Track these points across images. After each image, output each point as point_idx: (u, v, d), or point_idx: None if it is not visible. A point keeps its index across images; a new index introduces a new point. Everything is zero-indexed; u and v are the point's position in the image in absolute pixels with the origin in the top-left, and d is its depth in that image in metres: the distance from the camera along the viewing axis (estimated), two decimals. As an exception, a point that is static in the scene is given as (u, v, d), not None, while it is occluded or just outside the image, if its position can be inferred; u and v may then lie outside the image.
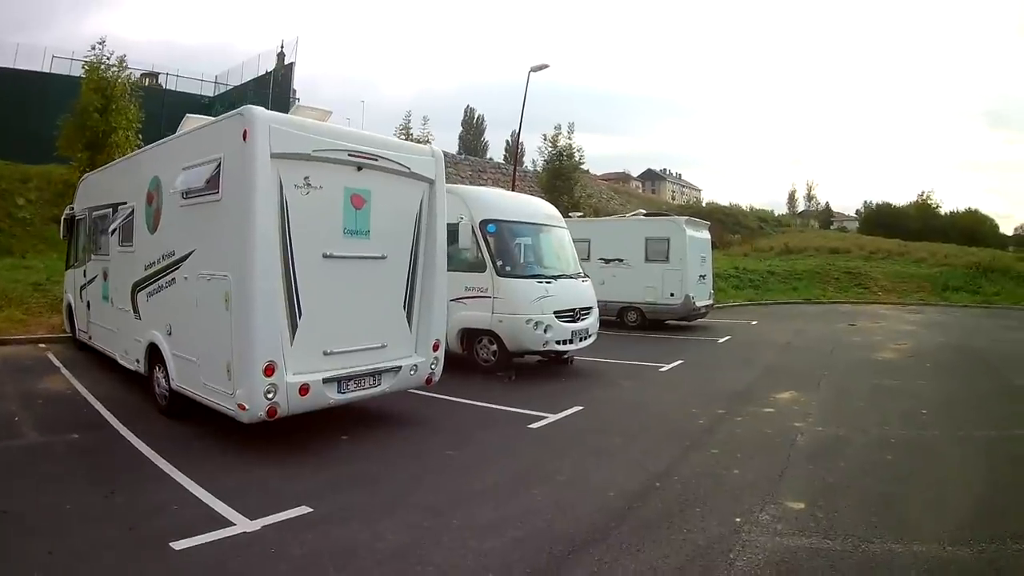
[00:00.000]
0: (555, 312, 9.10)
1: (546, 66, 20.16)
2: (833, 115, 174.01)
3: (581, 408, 7.30)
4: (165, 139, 7.09)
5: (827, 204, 73.64)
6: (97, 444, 5.66)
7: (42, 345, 9.74)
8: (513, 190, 14.71)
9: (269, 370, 5.15)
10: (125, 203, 7.58)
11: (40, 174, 15.88)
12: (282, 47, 35.56)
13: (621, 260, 15.68)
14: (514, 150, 28.51)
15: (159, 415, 6.43)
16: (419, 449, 5.74)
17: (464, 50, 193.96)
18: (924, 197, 53.20)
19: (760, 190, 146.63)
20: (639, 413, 7.32)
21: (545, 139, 31.03)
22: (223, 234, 5.46)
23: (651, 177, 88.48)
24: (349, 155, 5.79)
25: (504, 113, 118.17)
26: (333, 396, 5.66)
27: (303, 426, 5.87)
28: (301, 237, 5.43)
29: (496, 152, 62.88)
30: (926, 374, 9.96)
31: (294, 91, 41.53)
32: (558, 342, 9.17)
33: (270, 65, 35.62)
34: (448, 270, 9.16)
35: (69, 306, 10.20)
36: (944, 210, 52.28)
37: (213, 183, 5.59)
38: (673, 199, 73.07)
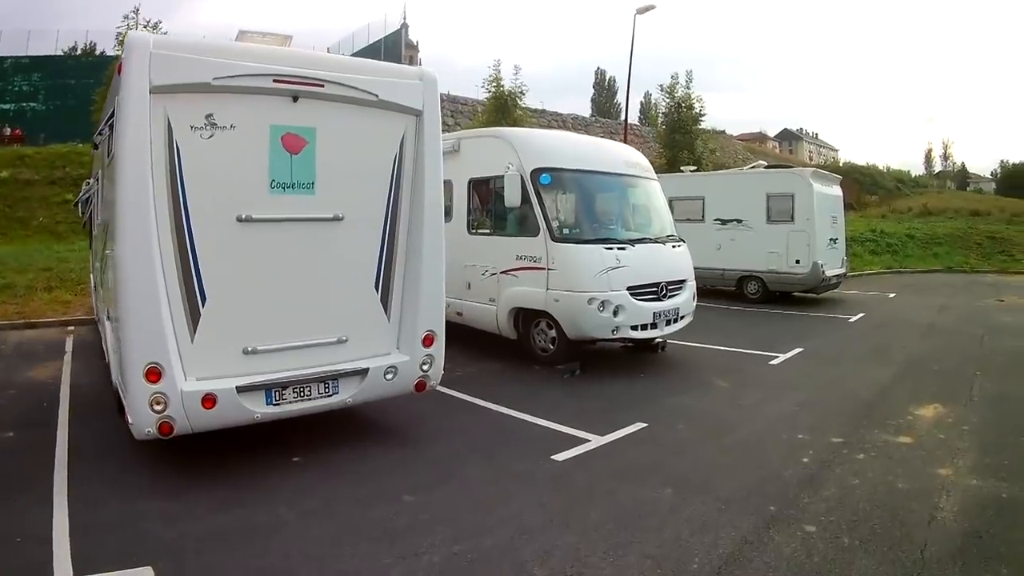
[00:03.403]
0: (630, 288, 6.96)
1: (652, 7, 19.64)
2: (965, 69, 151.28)
3: (642, 427, 5.36)
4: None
5: (963, 164, 69.85)
6: (22, 447, 4.91)
7: (70, 328, 9.38)
8: (625, 142, 12.60)
9: (152, 374, 3.85)
10: (99, 172, 6.74)
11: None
12: (404, 17, 35.90)
13: (740, 221, 13.34)
14: (626, 101, 25.63)
15: (118, 414, 5.46)
16: (373, 488, 4.18)
17: (598, 17, 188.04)
18: None
19: (894, 150, 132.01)
20: (719, 440, 5.17)
21: (661, 89, 27.58)
22: (111, 198, 4.24)
23: (788, 137, 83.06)
24: (275, 81, 4.23)
25: (639, 77, 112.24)
26: (259, 410, 4.25)
27: (257, 440, 4.68)
28: (201, 195, 4.04)
29: (630, 114, 60.17)
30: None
31: (419, 59, 41.81)
32: (634, 327, 7.05)
33: (378, 35, 35.93)
34: (496, 234, 7.65)
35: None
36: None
37: (112, 136, 4.39)
38: (810, 159, 69.04)
